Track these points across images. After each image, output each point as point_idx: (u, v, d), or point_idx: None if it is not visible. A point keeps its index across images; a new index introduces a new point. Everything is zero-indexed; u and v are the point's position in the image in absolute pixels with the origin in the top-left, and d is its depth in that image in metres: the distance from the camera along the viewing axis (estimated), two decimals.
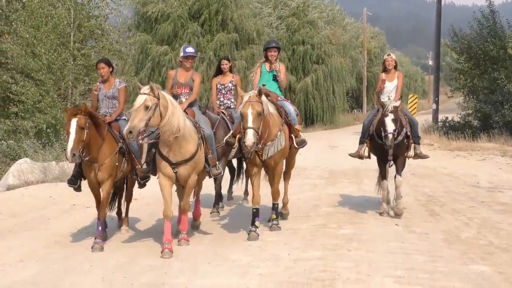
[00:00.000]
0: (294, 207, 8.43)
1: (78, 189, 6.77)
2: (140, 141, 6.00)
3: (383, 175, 7.97)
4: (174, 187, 6.61)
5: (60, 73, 16.76)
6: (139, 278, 5.26)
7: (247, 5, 27.20)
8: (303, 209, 8.41)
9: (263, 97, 6.36)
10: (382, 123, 7.41)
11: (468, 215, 7.77)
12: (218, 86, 8.51)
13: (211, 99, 8.82)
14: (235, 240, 6.65)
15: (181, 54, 7.06)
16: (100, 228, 6.47)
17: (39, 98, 16.45)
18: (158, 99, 5.77)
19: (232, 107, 8.43)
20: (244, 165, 8.52)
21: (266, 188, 7.47)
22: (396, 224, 7.26)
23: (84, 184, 6.80)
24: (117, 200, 7.43)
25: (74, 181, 6.69)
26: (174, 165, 6.11)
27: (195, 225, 7.14)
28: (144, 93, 5.75)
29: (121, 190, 7.44)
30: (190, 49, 7.06)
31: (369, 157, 8.13)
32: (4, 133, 16.30)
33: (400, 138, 7.53)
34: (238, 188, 9.29)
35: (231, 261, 5.71)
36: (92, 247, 6.30)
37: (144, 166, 6.54)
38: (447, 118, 20.86)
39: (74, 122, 6.09)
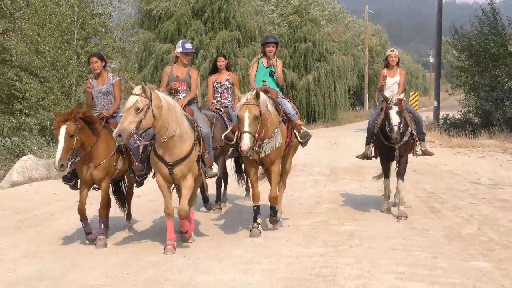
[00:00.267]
0: (296, 204, 8.49)
1: (74, 187, 6.62)
2: (138, 142, 5.87)
3: (385, 174, 7.89)
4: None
5: (64, 70, 16.81)
6: (142, 274, 5.29)
7: (249, 3, 27.27)
8: (305, 205, 8.44)
9: (262, 95, 6.26)
10: (386, 116, 7.26)
11: (468, 211, 7.79)
12: (214, 84, 8.32)
13: (207, 97, 8.61)
14: (237, 236, 6.69)
15: (179, 49, 6.75)
16: (102, 225, 6.49)
17: (43, 95, 16.55)
18: (151, 100, 5.59)
19: (229, 106, 8.22)
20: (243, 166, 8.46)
21: (266, 184, 7.48)
22: (397, 221, 7.30)
23: None
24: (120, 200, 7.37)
25: (70, 179, 6.55)
26: (170, 166, 5.95)
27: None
28: (136, 94, 5.57)
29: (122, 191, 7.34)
30: (189, 45, 6.81)
31: (376, 157, 7.99)
32: (9, 130, 16.41)
33: (405, 138, 7.42)
34: (236, 188, 9.26)
35: (233, 258, 5.75)
36: (95, 244, 6.35)
37: (139, 164, 6.37)
38: (448, 115, 20.91)
39: (63, 130, 5.94)
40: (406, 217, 7.40)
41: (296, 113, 7.37)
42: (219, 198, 8.46)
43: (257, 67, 7.32)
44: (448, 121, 20.45)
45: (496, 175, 11.23)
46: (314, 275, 5.13)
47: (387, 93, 7.65)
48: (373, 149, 7.90)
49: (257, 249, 6.04)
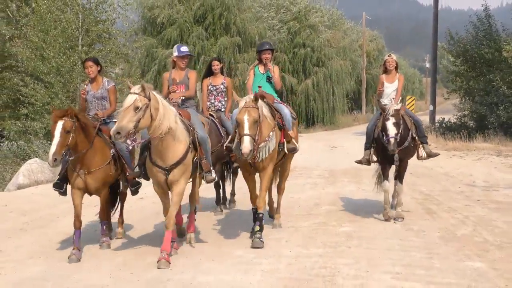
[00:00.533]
0: (295, 206, 8.58)
1: (63, 193, 6.37)
2: (134, 143, 5.65)
3: (385, 176, 7.77)
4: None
5: (68, 75, 17.00)
6: (145, 274, 5.36)
7: (250, 9, 27.42)
8: (304, 207, 8.52)
9: (259, 101, 6.17)
10: (383, 127, 7.21)
11: (464, 213, 7.86)
12: (209, 87, 8.25)
13: (201, 100, 8.54)
14: (238, 237, 6.74)
15: (175, 53, 6.58)
16: (104, 227, 6.53)
17: (48, 100, 16.77)
18: (149, 99, 5.42)
19: (222, 109, 8.18)
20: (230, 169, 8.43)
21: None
22: (394, 222, 7.38)
23: None
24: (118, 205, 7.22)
25: (60, 185, 6.29)
26: (166, 171, 5.75)
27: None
28: (135, 93, 5.39)
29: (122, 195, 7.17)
30: (184, 48, 6.64)
31: (376, 161, 7.94)
32: (15, 134, 16.66)
33: (406, 143, 7.38)
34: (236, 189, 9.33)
35: (234, 258, 5.82)
36: (99, 245, 6.44)
37: (136, 169, 6.21)
38: (443, 119, 21.04)
39: (59, 125, 5.75)
40: (403, 218, 7.49)
41: (295, 118, 7.32)
42: (219, 200, 8.56)
43: (254, 75, 7.25)
44: (444, 124, 20.58)
45: (491, 178, 11.32)
46: (313, 275, 5.21)
47: (386, 100, 7.63)
48: (372, 154, 7.83)
49: (257, 250, 6.12)
